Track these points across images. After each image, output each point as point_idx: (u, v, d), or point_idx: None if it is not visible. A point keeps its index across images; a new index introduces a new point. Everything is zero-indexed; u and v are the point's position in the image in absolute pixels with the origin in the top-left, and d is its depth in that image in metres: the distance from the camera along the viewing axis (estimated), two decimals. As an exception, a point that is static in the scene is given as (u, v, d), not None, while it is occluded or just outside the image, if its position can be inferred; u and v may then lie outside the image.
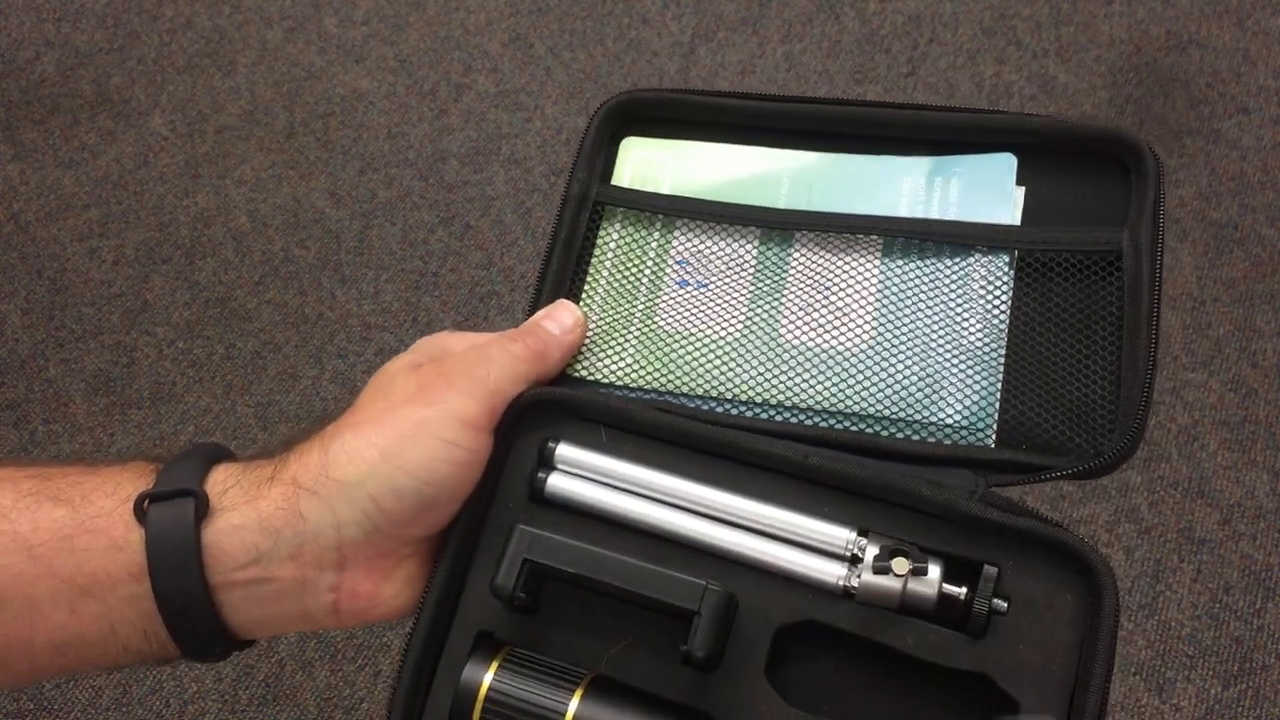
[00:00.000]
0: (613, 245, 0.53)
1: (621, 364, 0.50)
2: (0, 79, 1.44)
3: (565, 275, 0.52)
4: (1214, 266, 1.30)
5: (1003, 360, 0.49)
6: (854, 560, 0.44)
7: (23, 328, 1.30)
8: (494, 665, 0.42)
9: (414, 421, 0.43)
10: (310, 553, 0.43)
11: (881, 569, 0.43)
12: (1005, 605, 0.43)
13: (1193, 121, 1.38)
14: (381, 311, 1.30)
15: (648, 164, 0.54)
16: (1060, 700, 0.42)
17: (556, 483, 0.46)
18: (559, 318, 0.50)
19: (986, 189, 0.52)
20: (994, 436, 0.48)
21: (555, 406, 0.47)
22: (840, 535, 0.45)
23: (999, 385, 0.48)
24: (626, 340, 0.51)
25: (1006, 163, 0.52)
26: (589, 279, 0.52)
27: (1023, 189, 0.52)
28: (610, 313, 0.52)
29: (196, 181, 1.38)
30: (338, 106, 1.42)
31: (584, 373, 0.50)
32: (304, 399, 1.25)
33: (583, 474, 0.47)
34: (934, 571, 0.43)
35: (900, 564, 0.43)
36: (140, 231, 1.35)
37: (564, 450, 0.47)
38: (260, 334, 1.29)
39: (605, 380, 0.50)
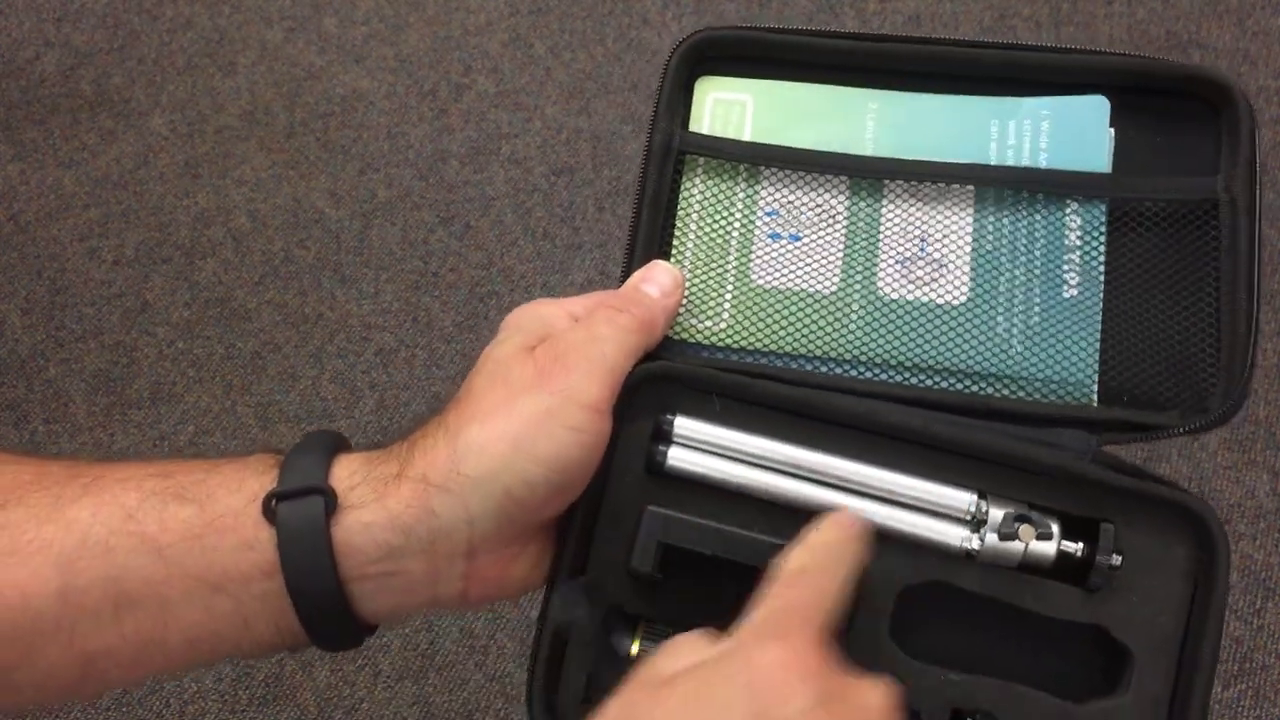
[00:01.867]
0: (698, 198, 0.51)
1: (719, 324, 0.50)
2: (0, 79, 1.44)
3: (655, 233, 0.50)
4: (1214, 266, 1.29)
5: (1100, 313, 0.48)
6: (976, 523, 0.46)
7: (23, 328, 1.30)
8: (636, 640, 0.43)
9: (541, 411, 0.42)
10: (442, 547, 0.43)
11: (1008, 536, 0.45)
12: (1120, 560, 0.45)
13: (1193, 121, 1.38)
14: (381, 311, 1.30)
15: (727, 106, 0.52)
16: (1171, 649, 0.45)
17: (677, 456, 0.46)
18: (659, 280, 0.48)
19: (1078, 133, 0.51)
20: (1096, 391, 0.48)
21: (668, 380, 0.47)
22: (961, 499, 0.46)
23: (1098, 339, 0.48)
24: (723, 299, 0.50)
25: (1099, 106, 0.51)
26: (676, 235, 0.51)
27: (1111, 131, 0.51)
28: (703, 270, 0.50)
29: (196, 181, 1.38)
30: (338, 106, 1.42)
31: (683, 334, 0.49)
32: (304, 399, 1.25)
33: (701, 446, 0.47)
34: (1053, 530, 0.45)
35: (1027, 532, 0.45)
36: (140, 231, 1.35)
37: (682, 423, 0.47)
38: (260, 334, 1.29)
39: (706, 342, 0.49)
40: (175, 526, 0.41)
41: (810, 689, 0.35)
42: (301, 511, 0.42)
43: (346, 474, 0.43)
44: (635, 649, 0.43)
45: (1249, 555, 1.15)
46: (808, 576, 0.40)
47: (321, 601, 0.42)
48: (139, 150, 1.40)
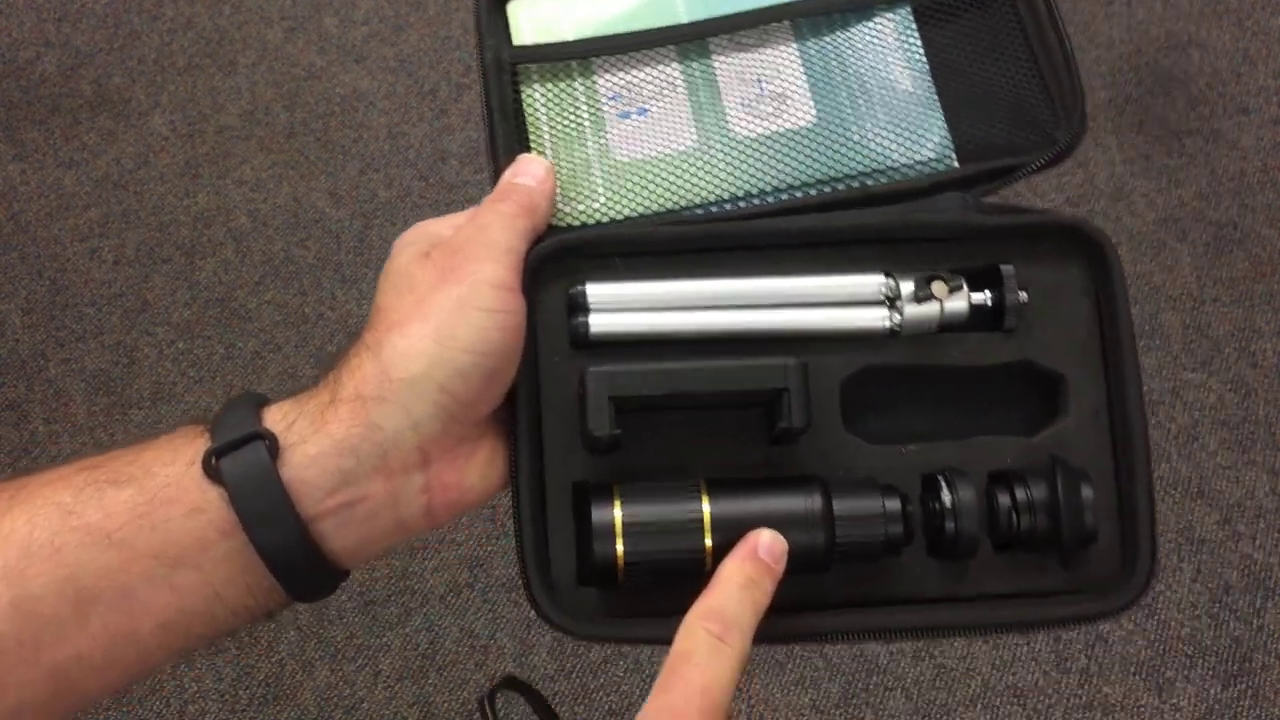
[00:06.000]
0: (541, 102, 0.54)
1: (597, 203, 0.51)
2: (0, 79, 1.44)
3: (512, 140, 0.52)
4: (1214, 266, 1.30)
5: (935, 96, 0.53)
6: (890, 301, 0.48)
7: (23, 328, 1.30)
8: (616, 502, 0.43)
9: (453, 302, 0.43)
10: (395, 460, 0.43)
11: (924, 297, 0.47)
12: (1026, 295, 0.48)
13: (1193, 121, 1.38)
14: (381, 311, 1.30)
15: (542, 20, 0.55)
16: (1095, 362, 0.48)
17: (599, 322, 0.47)
18: (529, 171, 0.49)
19: None
20: (955, 159, 0.52)
21: (568, 252, 0.48)
22: (872, 282, 0.48)
23: (942, 117, 0.53)
24: (593, 181, 0.52)
25: None
26: (532, 139, 0.53)
27: None
28: (567, 163, 0.52)
29: (196, 181, 1.38)
30: (338, 106, 1.42)
31: (567, 220, 0.51)
32: (304, 399, 1.25)
33: (618, 307, 0.48)
34: (962, 283, 0.48)
35: (939, 288, 0.47)
36: (140, 231, 1.35)
37: (594, 290, 0.48)
38: (260, 334, 1.29)
39: (591, 221, 0.51)
40: (119, 510, 0.40)
41: None
42: (245, 460, 0.41)
43: (280, 416, 0.43)
44: (618, 513, 0.43)
45: (1249, 555, 1.15)
46: (691, 665, 0.39)
47: (288, 547, 0.41)
48: (139, 150, 1.40)
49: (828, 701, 1.10)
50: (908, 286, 0.47)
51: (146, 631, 0.41)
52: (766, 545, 0.42)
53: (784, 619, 0.43)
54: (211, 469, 0.41)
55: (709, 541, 0.43)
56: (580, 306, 0.48)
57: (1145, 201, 1.34)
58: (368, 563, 0.45)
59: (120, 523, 0.40)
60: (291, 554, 0.41)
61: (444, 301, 0.43)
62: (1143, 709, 1.09)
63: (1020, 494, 0.46)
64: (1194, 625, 1.12)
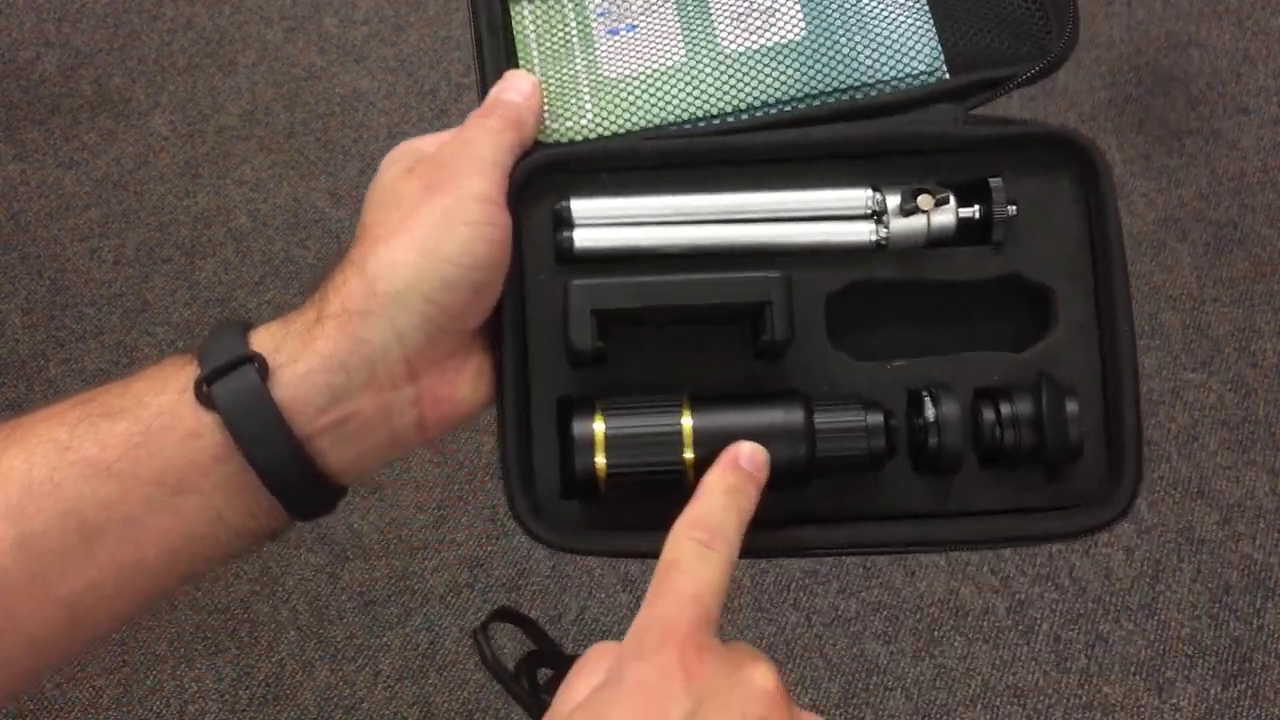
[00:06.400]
0: (529, 18, 0.53)
1: (584, 119, 0.51)
2: (0, 79, 1.44)
3: (500, 58, 0.51)
4: (1214, 266, 1.30)
5: (927, 8, 0.52)
6: (877, 216, 0.48)
7: (23, 328, 1.30)
8: (598, 416, 0.43)
9: (439, 213, 0.43)
10: (383, 373, 0.43)
11: (910, 210, 0.46)
12: (1014, 208, 0.47)
13: (1193, 121, 1.38)
14: (381, 311, 1.30)
15: None
16: (1084, 274, 0.47)
17: (584, 237, 0.47)
18: (515, 86, 0.48)
19: None
20: (945, 70, 0.51)
21: (554, 167, 0.48)
22: (859, 196, 0.48)
23: (933, 27, 0.52)
24: (581, 98, 0.51)
25: None
26: (519, 56, 0.52)
27: None
28: (555, 79, 0.52)
29: (196, 181, 1.38)
30: (338, 106, 1.42)
31: (555, 137, 0.50)
32: (304, 399, 1.25)
33: (603, 222, 0.47)
34: (949, 195, 0.47)
35: (925, 200, 0.47)
36: (140, 231, 1.35)
37: (578, 205, 0.47)
38: (260, 334, 1.29)
39: (579, 139, 0.50)
40: (114, 442, 0.40)
41: (690, 694, 0.35)
42: (237, 384, 0.41)
43: (267, 338, 0.43)
44: (600, 427, 0.43)
45: (1249, 555, 1.15)
46: (680, 573, 0.38)
47: (284, 466, 0.41)
48: (139, 150, 1.40)
49: (828, 701, 1.10)
50: (894, 200, 0.47)
51: (153, 558, 0.41)
52: (748, 455, 0.42)
53: (770, 533, 0.44)
54: (203, 395, 0.41)
55: (690, 455, 0.43)
56: (565, 222, 0.47)
57: (1145, 201, 1.34)
58: (365, 478, 0.45)
59: (117, 454, 0.40)
60: (288, 472, 0.42)
61: (429, 215, 0.43)
62: (1143, 709, 1.09)
63: (1005, 409, 0.45)
64: (1194, 625, 1.12)
